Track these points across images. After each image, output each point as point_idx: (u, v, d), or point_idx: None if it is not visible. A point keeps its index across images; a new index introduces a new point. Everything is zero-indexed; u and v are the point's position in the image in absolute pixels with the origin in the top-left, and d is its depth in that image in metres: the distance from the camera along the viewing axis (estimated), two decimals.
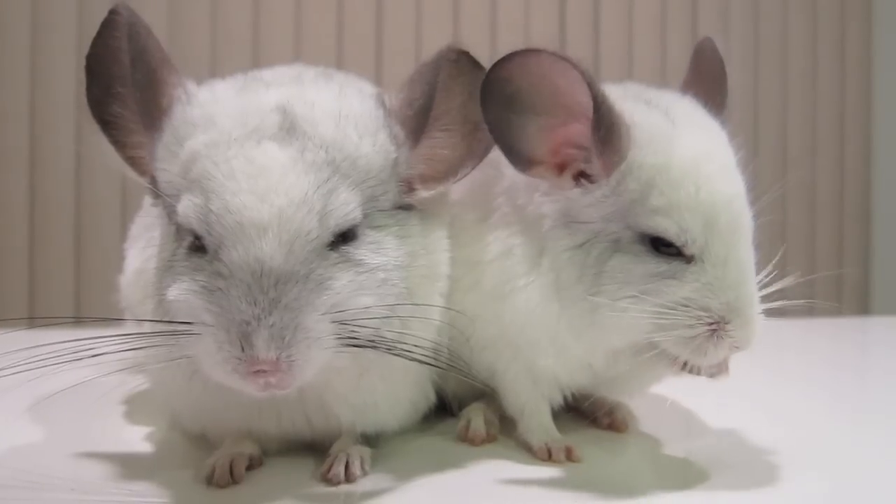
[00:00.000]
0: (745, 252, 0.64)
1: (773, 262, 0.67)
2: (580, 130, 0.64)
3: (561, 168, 0.66)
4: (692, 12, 2.48)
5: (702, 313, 0.62)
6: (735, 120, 0.74)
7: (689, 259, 0.63)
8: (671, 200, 0.62)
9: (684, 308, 0.62)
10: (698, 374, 0.67)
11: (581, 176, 0.66)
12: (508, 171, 0.70)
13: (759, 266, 0.66)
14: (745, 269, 0.64)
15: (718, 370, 0.67)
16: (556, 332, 0.68)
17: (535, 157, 0.66)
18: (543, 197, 0.68)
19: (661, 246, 0.63)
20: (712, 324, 0.62)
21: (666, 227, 0.62)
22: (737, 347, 0.63)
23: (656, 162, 0.63)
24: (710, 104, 0.72)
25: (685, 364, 0.66)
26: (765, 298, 0.65)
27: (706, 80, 0.74)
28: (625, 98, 0.67)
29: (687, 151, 0.64)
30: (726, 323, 0.62)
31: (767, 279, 0.66)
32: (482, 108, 0.63)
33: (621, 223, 0.64)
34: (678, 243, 0.62)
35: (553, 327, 0.68)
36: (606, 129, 0.63)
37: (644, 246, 0.63)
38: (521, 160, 0.65)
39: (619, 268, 0.64)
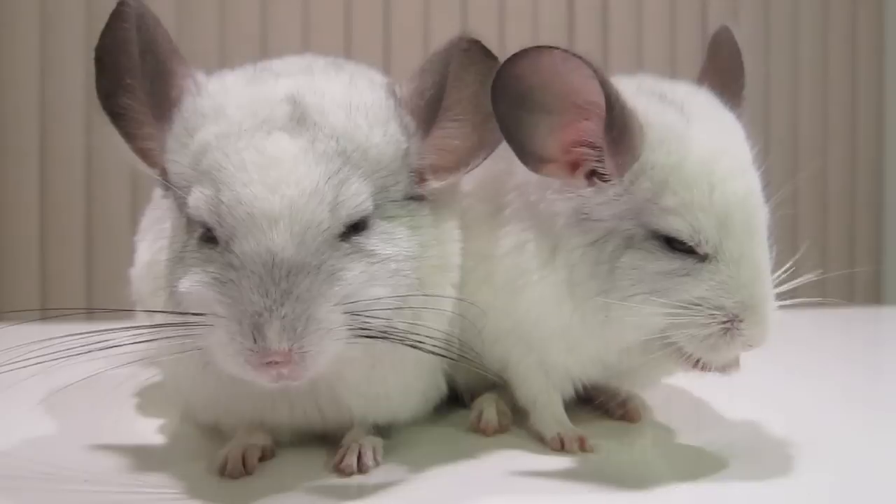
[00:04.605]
0: (760, 250, 0.64)
1: (785, 257, 0.67)
2: (592, 129, 0.64)
3: (573, 167, 0.66)
4: (702, 2, 2.46)
5: (716, 312, 0.62)
6: (746, 111, 0.73)
7: (702, 257, 0.62)
8: (684, 200, 0.62)
9: (697, 307, 0.62)
10: (709, 371, 0.67)
11: (593, 175, 0.65)
12: (520, 168, 0.69)
13: (773, 262, 0.66)
14: (759, 267, 0.63)
15: (729, 366, 0.67)
16: (568, 328, 0.68)
17: (546, 156, 0.65)
18: (555, 195, 0.67)
19: (674, 243, 0.63)
20: (726, 322, 0.62)
21: (679, 228, 0.62)
22: (749, 346, 0.63)
23: (669, 162, 0.63)
24: (727, 95, 0.71)
25: (697, 362, 0.66)
26: (778, 296, 0.65)
27: (722, 71, 0.74)
28: (638, 93, 0.66)
29: (700, 151, 0.63)
30: (740, 321, 0.62)
31: (782, 276, 0.66)
32: (493, 105, 0.62)
33: (634, 221, 0.63)
34: (691, 243, 0.62)
35: (566, 324, 0.67)
36: (619, 129, 0.62)
37: (657, 243, 0.63)
38: (532, 159, 0.65)
39: (631, 265, 0.63)
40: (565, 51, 0.61)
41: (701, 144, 0.64)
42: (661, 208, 0.62)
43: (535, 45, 0.61)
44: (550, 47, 0.61)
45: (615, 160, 0.63)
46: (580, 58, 0.60)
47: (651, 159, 0.63)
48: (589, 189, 0.65)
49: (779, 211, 0.68)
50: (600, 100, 0.61)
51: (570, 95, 0.63)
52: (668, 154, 0.63)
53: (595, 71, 0.60)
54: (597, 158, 0.64)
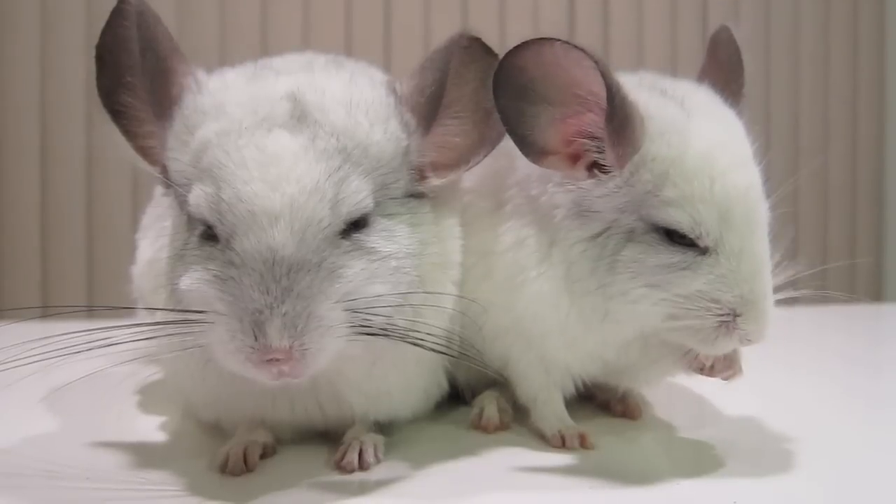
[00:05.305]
0: (760, 244, 0.64)
1: (787, 253, 0.67)
2: (594, 121, 0.64)
3: (574, 159, 0.66)
4: (702, 0, 2.46)
5: (713, 305, 0.62)
6: (746, 109, 0.73)
7: (703, 250, 0.62)
8: (685, 193, 0.62)
9: (696, 300, 0.62)
10: (712, 376, 0.67)
11: (594, 167, 0.65)
12: (521, 163, 0.69)
13: (773, 257, 0.66)
14: (759, 261, 0.63)
15: (733, 373, 0.67)
16: (567, 324, 0.68)
17: (547, 148, 0.65)
18: (556, 187, 0.67)
19: (675, 237, 0.63)
20: (723, 316, 0.62)
21: (679, 220, 0.62)
22: (748, 340, 0.63)
23: (670, 154, 0.63)
24: (727, 93, 0.72)
25: (701, 367, 0.66)
26: (778, 290, 0.65)
27: (722, 69, 0.74)
28: (639, 88, 0.67)
29: (701, 143, 0.63)
30: (738, 315, 0.62)
31: (781, 270, 0.66)
32: (494, 97, 0.63)
33: (634, 214, 0.64)
34: (692, 235, 0.62)
35: (564, 319, 0.67)
36: (620, 120, 0.62)
37: (657, 236, 0.63)
38: (533, 150, 0.65)
39: (631, 258, 0.63)
40: (567, 42, 0.61)
41: (701, 137, 0.64)
42: (661, 200, 0.62)
43: (537, 36, 0.61)
44: (552, 39, 0.61)
45: (616, 151, 0.63)
46: (582, 49, 0.61)
47: (652, 151, 0.63)
48: (589, 181, 0.65)
49: (780, 208, 0.68)
50: (601, 91, 0.61)
51: (572, 86, 0.63)
52: (669, 146, 0.63)
53: (596, 62, 0.60)
54: (597, 150, 0.64)
